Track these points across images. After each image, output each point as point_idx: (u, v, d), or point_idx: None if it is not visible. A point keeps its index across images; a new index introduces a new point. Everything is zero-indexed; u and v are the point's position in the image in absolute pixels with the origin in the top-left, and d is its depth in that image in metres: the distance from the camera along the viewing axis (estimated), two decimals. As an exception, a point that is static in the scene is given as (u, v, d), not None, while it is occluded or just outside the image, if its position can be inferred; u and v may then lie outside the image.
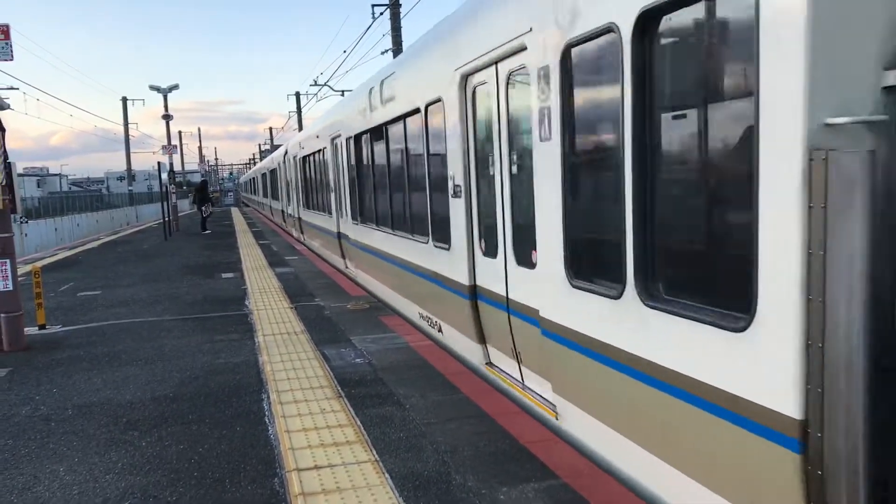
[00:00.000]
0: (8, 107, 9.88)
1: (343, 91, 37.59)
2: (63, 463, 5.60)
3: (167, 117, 36.86)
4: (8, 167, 9.52)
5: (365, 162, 12.61)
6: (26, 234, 36.75)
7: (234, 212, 59.19)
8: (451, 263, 7.85)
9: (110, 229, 46.61)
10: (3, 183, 9.38)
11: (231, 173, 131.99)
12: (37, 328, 10.88)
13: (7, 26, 9.33)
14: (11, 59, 9.25)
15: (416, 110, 8.78)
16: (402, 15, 24.68)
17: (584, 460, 5.01)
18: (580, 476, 4.76)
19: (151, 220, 53.91)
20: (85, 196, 61.24)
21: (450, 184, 7.70)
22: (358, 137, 12.86)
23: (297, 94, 58.04)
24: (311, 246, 22.17)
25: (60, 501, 4.91)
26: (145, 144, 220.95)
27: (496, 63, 6.35)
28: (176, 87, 36.60)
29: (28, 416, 6.82)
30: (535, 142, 5.49)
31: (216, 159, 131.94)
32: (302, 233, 24.36)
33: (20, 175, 9.71)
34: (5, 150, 9.36)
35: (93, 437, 6.15)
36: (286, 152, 26.80)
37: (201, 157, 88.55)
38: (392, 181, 10.68)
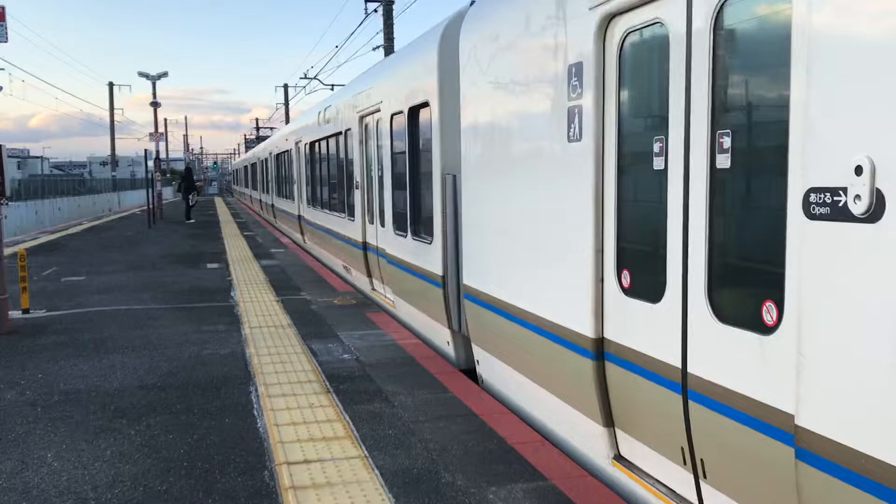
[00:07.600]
0: (0, 89, 9.81)
1: (333, 85, 37.20)
2: (51, 449, 5.60)
3: (155, 104, 36.66)
4: (-2, 149, 9.47)
5: None
6: (6, 217, 36.29)
7: (218, 201, 58.88)
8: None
9: (92, 215, 46.18)
10: (-7, 165, 9.33)
11: (215, 163, 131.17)
12: (20, 312, 10.82)
13: (3, 8, 9.28)
14: (6, 42, 9.20)
15: None
16: (395, 13, 24.64)
17: (572, 462, 5.09)
18: (568, 478, 4.84)
19: (134, 207, 53.49)
20: (67, 180, 60.50)
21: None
22: None
23: (286, 87, 57.86)
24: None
25: (49, 487, 4.91)
26: (129, 130, 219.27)
27: None
28: (165, 74, 36.44)
29: (13, 401, 6.79)
30: None
31: (201, 148, 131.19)
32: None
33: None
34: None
35: (80, 424, 6.14)
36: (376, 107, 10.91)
37: (187, 145, 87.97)
38: None
